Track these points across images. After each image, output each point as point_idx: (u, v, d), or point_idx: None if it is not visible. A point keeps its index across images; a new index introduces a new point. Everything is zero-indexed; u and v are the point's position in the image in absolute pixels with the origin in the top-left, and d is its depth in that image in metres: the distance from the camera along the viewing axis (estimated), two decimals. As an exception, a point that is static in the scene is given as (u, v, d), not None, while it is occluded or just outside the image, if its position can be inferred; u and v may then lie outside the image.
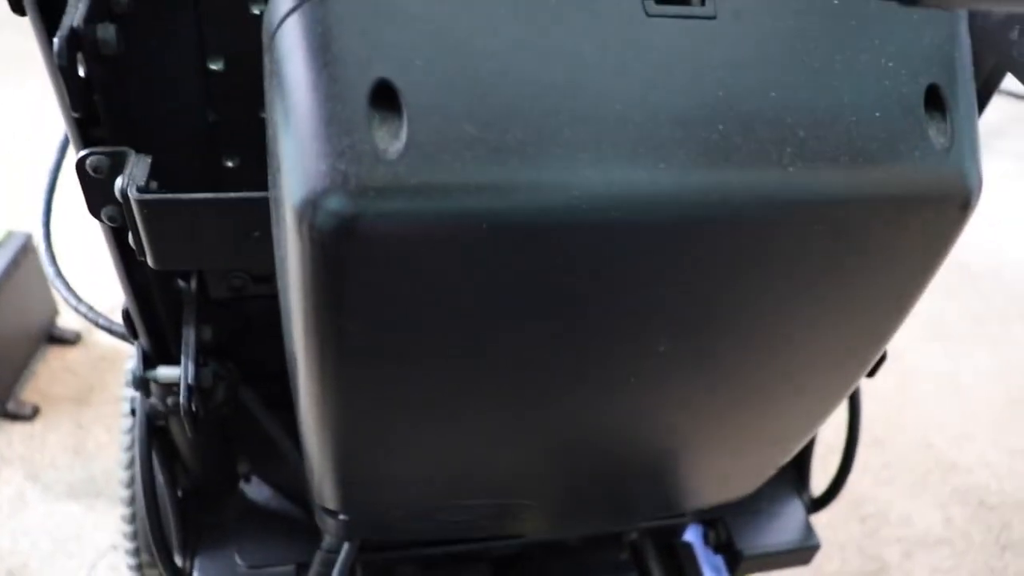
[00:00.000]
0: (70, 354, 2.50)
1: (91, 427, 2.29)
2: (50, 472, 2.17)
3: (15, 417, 2.28)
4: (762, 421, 0.77)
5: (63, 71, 0.61)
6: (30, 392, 2.37)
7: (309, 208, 0.48)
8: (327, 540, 1.06)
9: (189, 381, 0.85)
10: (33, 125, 3.39)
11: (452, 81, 0.49)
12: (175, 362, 0.93)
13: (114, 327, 1.09)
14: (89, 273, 1.98)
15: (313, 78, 0.48)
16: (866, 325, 0.67)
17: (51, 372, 2.44)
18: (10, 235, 2.30)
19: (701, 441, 0.79)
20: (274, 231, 0.61)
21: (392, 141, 0.48)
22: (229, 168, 0.82)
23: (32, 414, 2.30)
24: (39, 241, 1.11)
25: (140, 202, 0.65)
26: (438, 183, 0.48)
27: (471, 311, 0.55)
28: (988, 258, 3.34)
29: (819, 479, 1.33)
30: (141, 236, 0.68)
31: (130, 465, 1.36)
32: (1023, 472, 2.46)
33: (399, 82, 0.48)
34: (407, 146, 0.48)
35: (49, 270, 1.09)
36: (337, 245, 0.49)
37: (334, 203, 0.47)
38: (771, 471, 0.90)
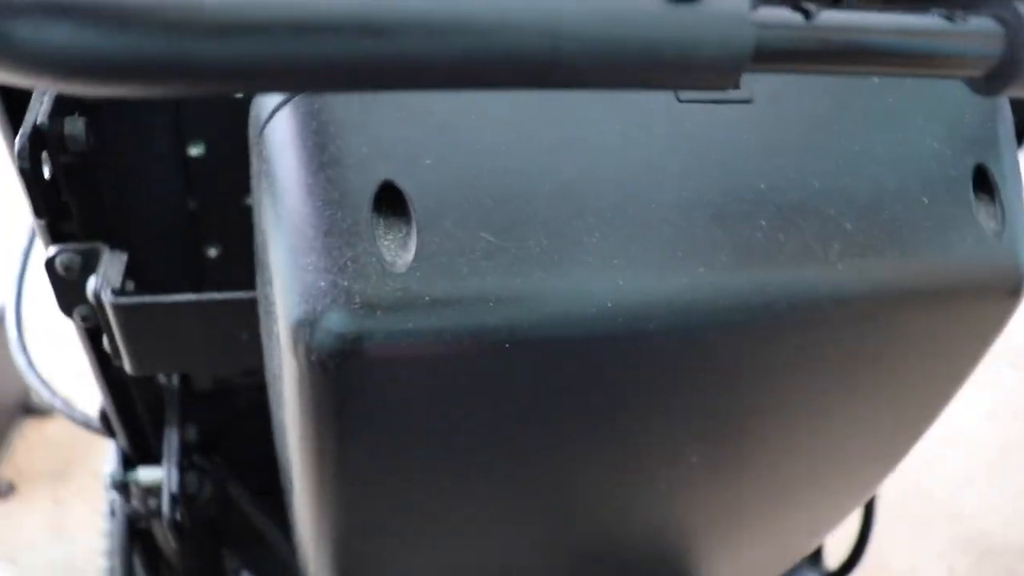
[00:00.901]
0: (47, 426, 2.41)
1: (70, 502, 2.20)
2: (27, 553, 2.08)
3: (-11, 495, 2.19)
4: (793, 519, 0.72)
5: (25, 174, 0.56)
6: (6, 467, 2.27)
7: (307, 328, 0.42)
8: None
9: (173, 490, 0.79)
10: None
11: (465, 182, 0.43)
12: (156, 460, 0.86)
13: (91, 422, 1.02)
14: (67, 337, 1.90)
15: (309, 181, 0.43)
16: (905, 419, 0.62)
17: (28, 445, 2.35)
18: (-18, 305, 2.23)
19: (726, 538, 0.74)
20: (264, 336, 0.56)
21: (400, 252, 0.43)
22: (212, 257, 0.77)
23: (8, 491, 2.20)
24: (11, 322, 1.05)
25: (115, 306, 0.59)
26: (453, 297, 0.43)
27: (489, 428, 0.50)
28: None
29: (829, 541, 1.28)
30: (117, 341, 0.62)
31: (111, 555, 1.29)
32: (1026, 517, 2.41)
33: (406, 184, 0.43)
34: (417, 257, 0.42)
35: (21, 360, 1.02)
36: (339, 368, 0.43)
37: (336, 323, 0.42)
38: (796, 560, 0.85)
